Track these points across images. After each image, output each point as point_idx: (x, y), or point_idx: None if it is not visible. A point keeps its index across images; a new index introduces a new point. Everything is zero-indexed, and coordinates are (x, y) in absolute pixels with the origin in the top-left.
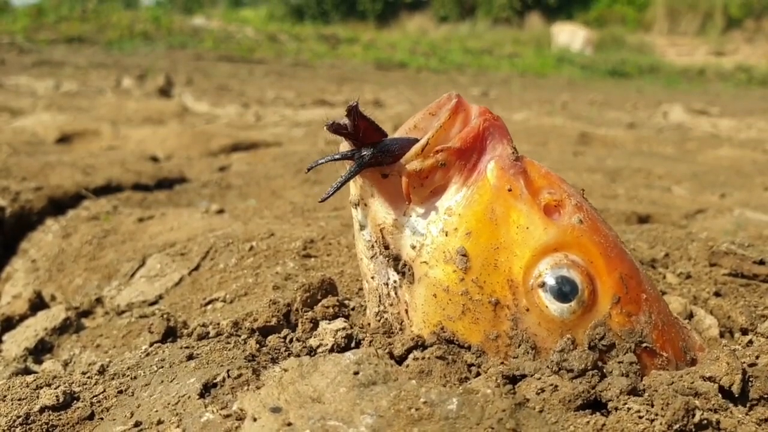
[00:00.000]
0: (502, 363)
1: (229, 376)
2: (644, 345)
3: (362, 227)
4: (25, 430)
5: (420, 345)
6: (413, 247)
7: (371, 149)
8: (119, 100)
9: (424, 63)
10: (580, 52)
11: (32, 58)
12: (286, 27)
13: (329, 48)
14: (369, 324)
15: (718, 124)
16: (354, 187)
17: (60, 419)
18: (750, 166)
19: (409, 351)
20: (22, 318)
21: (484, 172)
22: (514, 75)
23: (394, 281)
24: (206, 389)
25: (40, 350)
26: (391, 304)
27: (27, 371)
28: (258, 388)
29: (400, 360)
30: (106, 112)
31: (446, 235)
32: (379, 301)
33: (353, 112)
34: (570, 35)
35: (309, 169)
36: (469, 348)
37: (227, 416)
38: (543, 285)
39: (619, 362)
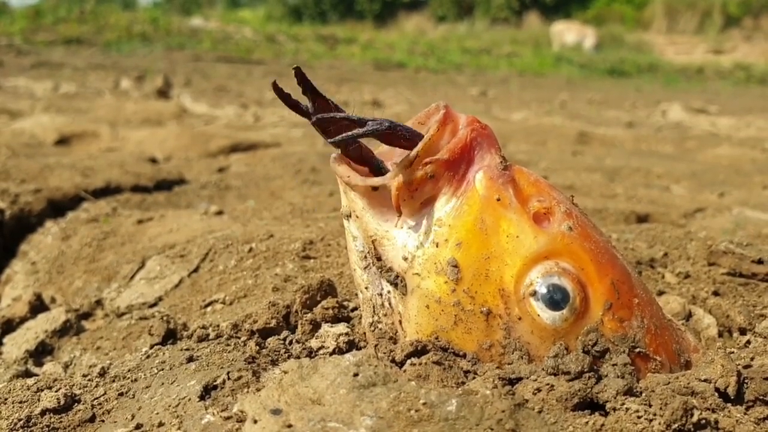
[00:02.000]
0: (498, 368)
1: (229, 378)
2: (637, 350)
3: (354, 238)
4: None
5: (419, 351)
6: (405, 259)
7: (391, 121)
8: (118, 102)
9: (422, 63)
10: (589, 51)
11: (30, 59)
12: (284, 27)
13: (327, 48)
14: (365, 334)
15: (717, 123)
16: (345, 200)
17: (61, 422)
18: (749, 164)
19: (408, 357)
20: (23, 320)
21: (473, 183)
22: (513, 74)
23: (388, 292)
24: (206, 391)
25: (41, 352)
26: (385, 315)
27: (28, 374)
28: (258, 390)
29: (400, 365)
30: (104, 114)
31: (437, 246)
32: (373, 311)
33: (298, 74)
34: (579, 34)
35: (335, 142)
36: (464, 356)
37: (228, 418)
38: (534, 293)
39: (613, 365)
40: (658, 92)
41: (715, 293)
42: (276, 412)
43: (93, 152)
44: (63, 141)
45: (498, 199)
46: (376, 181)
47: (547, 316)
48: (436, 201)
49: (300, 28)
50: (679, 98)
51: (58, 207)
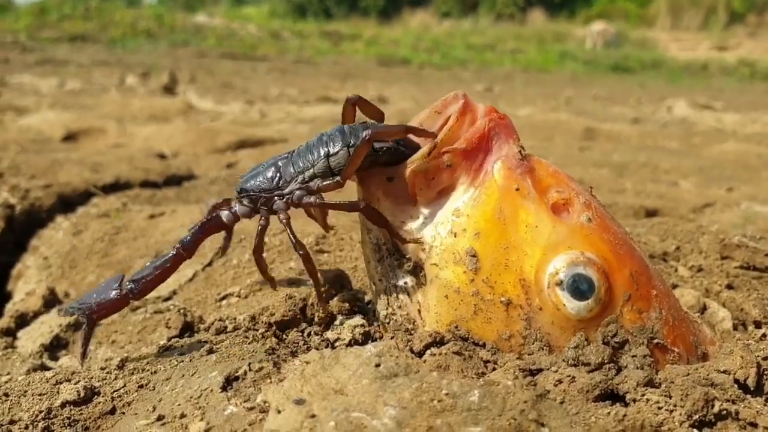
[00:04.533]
0: (518, 358)
1: (250, 369)
2: (656, 341)
3: (369, 230)
4: (47, 425)
5: (438, 341)
6: (422, 249)
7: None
8: (124, 98)
9: (426, 59)
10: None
11: (35, 56)
12: (288, 24)
13: (332, 45)
14: (380, 325)
15: (723, 119)
16: (360, 191)
17: (81, 414)
18: (756, 160)
19: (427, 347)
20: (36, 314)
21: (491, 173)
22: (517, 71)
23: (404, 283)
24: (228, 382)
25: (56, 346)
26: (400, 307)
27: (44, 367)
28: (280, 380)
29: (419, 356)
30: (111, 110)
31: (455, 236)
32: (387, 303)
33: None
34: (615, 34)
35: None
36: (483, 346)
37: (251, 409)
38: (560, 283)
39: (633, 356)
40: (662, 88)
41: (729, 286)
42: (299, 402)
43: (101, 148)
44: (70, 137)
45: (517, 189)
46: (392, 170)
47: (572, 306)
48: (453, 191)
49: (304, 24)
50: (683, 94)
51: (68, 202)
